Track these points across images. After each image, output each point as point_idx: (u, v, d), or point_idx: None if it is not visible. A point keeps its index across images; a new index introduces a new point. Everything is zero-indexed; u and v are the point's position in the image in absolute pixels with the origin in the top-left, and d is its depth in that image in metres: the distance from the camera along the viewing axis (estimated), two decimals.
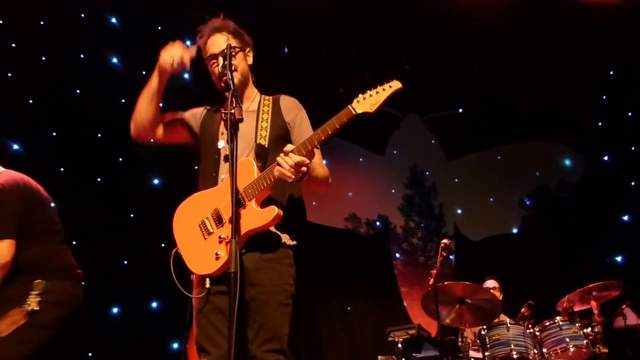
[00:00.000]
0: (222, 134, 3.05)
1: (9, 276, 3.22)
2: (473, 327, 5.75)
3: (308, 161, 2.77)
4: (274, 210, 2.79)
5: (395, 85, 2.85)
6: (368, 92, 2.84)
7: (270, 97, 3.21)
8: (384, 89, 2.84)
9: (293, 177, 2.74)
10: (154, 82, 3.06)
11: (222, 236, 2.81)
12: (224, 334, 2.71)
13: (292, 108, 3.19)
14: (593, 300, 5.51)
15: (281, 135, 3.08)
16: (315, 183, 3.00)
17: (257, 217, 2.81)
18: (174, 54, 2.97)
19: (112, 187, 7.05)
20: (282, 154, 2.76)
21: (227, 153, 2.92)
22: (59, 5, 7.06)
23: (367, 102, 2.82)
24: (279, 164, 2.75)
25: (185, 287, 2.90)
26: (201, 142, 3.17)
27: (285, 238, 2.97)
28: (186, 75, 7.48)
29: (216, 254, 2.79)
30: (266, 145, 3.00)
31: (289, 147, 2.77)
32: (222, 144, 3.02)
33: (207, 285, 2.80)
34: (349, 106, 2.82)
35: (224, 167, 2.99)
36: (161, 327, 6.66)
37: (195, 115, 3.24)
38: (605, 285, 5.53)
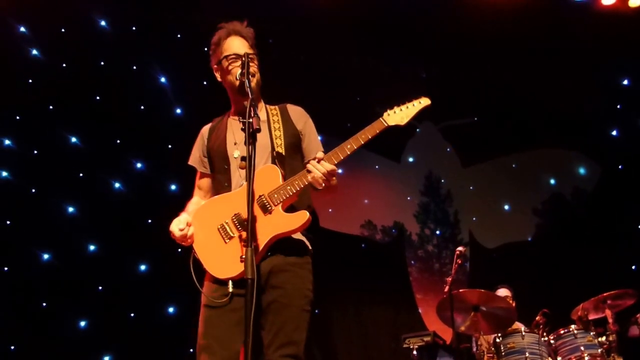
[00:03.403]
0: (236, 143, 3.06)
1: None
2: (488, 335, 5.74)
3: (337, 170, 2.84)
4: (305, 215, 2.82)
5: (425, 101, 3.04)
6: (396, 107, 2.99)
7: (276, 106, 3.21)
8: (414, 105, 3.01)
9: (324, 185, 2.80)
10: None
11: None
12: (236, 338, 2.75)
13: (301, 116, 3.20)
14: (608, 309, 5.49)
15: (295, 143, 3.10)
16: (330, 191, 3.03)
17: (287, 221, 2.83)
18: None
19: (131, 192, 7.13)
20: (313, 161, 2.82)
21: (242, 160, 2.99)
22: (79, 13, 7.19)
23: (398, 115, 2.97)
24: (310, 171, 2.81)
25: (199, 292, 2.92)
26: (211, 160, 3.17)
27: (307, 244, 2.99)
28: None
29: (241, 257, 2.72)
30: (283, 153, 3.02)
31: (320, 154, 2.84)
32: (237, 153, 3.04)
33: (231, 289, 2.77)
34: (381, 119, 2.94)
35: (241, 174, 2.99)
36: (177, 332, 6.71)
37: (201, 150, 3.24)
38: (620, 293, 5.52)
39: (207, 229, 2.94)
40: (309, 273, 2.95)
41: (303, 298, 2.87)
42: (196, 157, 3.25)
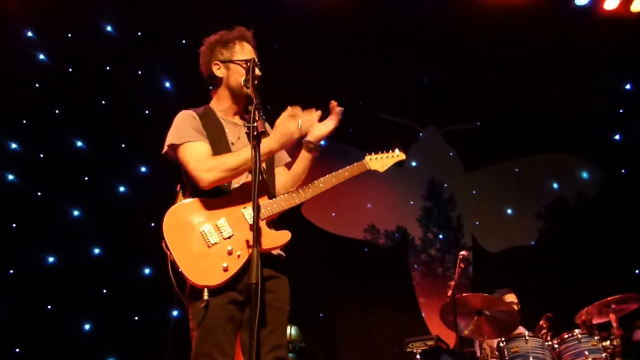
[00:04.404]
0: (233, 144, 3.07)
1: None
2: (491, 339, 5.75)
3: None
4: (288, 235, 2.88)
5: (401, 156, 3.36)
6: (374, 154, 3.30)
7: None
8: (392, 156, 3.32)
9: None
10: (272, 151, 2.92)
11: (230, 248, 2.78)
12: (233, 344, 2.79)
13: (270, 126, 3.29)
14: (612, 313, 5.49)
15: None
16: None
17: (270, 238, 2.84)
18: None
19: (135, 196, 7.16)
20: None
21: None
22: (85, 18, 7.23)
23: (378, 162, 3.28)
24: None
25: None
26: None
27: (282, 255, 3.06)
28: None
29: (224, 266, 2.75)
30: (264, 166, 3.05)
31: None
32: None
33: (206, 297, 2.71)
34: (364, 161, 3.25)
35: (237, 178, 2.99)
36: (181, 336, 6.71)
37: (200, 131, 3.05)
38: (624, 298, 5.52)
39: (188, 230, 2.83)
40: (287, 279, 3.04)
41: (288, 304, 2.97)
42: (192, 133, 3.01)
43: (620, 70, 9.23)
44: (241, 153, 2.88)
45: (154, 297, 6.79)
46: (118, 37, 7.44)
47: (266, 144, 2.81)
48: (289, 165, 3.27)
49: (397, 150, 3.33)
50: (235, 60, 3.11)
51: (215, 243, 2.79)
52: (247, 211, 2.87)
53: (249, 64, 2.99)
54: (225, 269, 2.74)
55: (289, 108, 2.92)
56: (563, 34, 8.54)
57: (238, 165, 2.85)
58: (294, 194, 2.98)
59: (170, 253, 2.76)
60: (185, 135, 3.00)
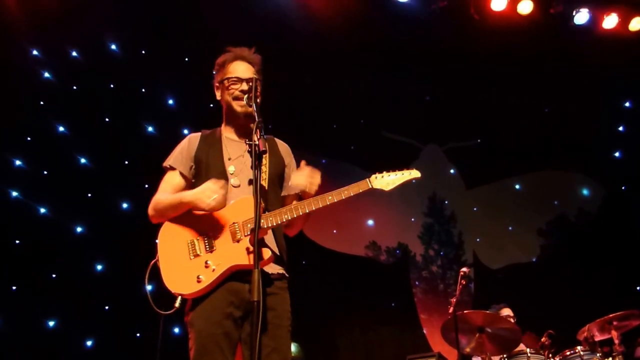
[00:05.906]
0: (230, 159, 3.10)
1: None
2: (493, 356, 5.74)
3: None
4: (267, 254, 2.82)
5: (415, 174, 3.10)
6: (385, 172, 3.07)
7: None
8: (403, 174, 3.08)
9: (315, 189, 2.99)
10: (185, 207, 2.98)
11: (208, 262, 2.83)
12: None
13: (288, 152, 3.33)
14: (614, 330, 5.48)
15: (279, 173, 3.19)
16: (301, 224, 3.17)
17: (251, 256, 2.80)
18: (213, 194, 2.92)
19: (138, 213, 7.18)
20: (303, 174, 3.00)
21: (235, 180, 3.04)
22: (90, 37, 7.32)
23: (384, 180, 3.05)
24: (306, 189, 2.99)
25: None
26: (199, 168, 3.13)
27: (284, 269, 3.04)
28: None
29: (198, 277, 2.80)
30: (266, 187, 3.04)
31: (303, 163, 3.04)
32: (232, 168, 3.08)
33: (177, 305, 2.80)
34: (367, 180, 3.04)
35: (233, 193, 3.02)
36: (183, 353, 6.70)
37: (187, 155, 3.18)
38: (626, 314, 5.51)
39: (179, 240, 2.94)
40: (288, 297, 3.02)
41: (289, 319, 2.96)
42: (178, 159, 3.17)
43: (619, 88, 9.30)
44: (177, 195, 3.01)
45: (156, 314, 6.78)
46: (122, 56, 7.53)
47: (182, 195, 2.99)
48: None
49: (411, 170, 3.09)
50: (224, 79, 3.19)
51: (198, 255, 2.88)
52: (234, 228, 2.91)
53: (231, 81, 3.12)
54: (199, 281, 2.81)
55: (221, 182, 2.93)
56: (563, 53, 8.62)
57: (164, 206, 3.00)
58: (286, 211, 2.93)
59: (157, 258, 2.92)
60: (168, 161, 3.21)
